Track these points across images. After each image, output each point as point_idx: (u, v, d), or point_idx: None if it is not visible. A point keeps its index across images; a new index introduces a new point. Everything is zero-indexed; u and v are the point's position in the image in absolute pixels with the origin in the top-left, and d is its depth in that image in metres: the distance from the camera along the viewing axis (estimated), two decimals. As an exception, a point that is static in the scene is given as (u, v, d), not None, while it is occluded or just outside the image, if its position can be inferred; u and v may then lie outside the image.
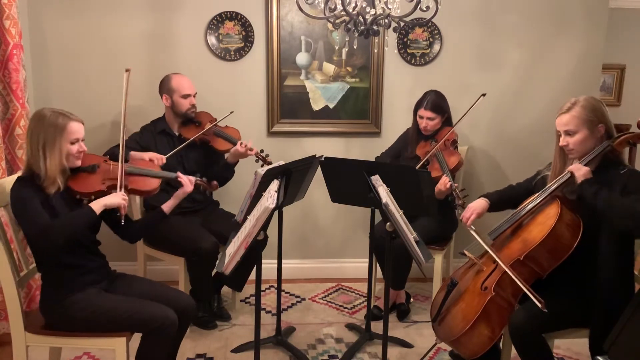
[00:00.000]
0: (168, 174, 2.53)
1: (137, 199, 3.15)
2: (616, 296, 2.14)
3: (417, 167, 3.03)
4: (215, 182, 2.69)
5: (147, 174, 2.45)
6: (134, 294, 2.25)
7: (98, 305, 2.14)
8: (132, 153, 2.91)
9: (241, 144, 3.09)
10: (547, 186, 2.30)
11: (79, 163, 2.22)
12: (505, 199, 2.56)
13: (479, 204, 2.52)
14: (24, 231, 2.14)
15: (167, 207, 2.46)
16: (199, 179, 2.59)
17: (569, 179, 2.20)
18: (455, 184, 2.93)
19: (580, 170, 2.17)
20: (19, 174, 2.39)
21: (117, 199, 2.19)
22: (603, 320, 2.12)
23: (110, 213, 2.26)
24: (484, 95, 3.14)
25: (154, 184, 2.43)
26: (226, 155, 3.20)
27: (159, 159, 2.87)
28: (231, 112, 3.21)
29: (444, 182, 2.91)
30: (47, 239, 2.03)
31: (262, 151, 3.12)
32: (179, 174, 2.52)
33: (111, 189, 2.28)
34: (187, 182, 2.49)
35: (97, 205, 2.13)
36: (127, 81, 2.33)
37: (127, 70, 2.34)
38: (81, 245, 2.22)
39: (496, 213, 2.58)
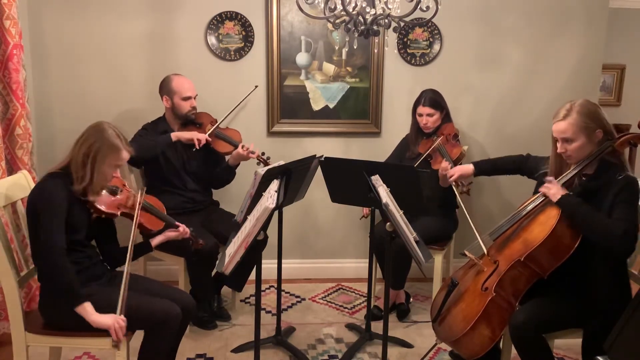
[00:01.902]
0: (172, 220, 2.53)
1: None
2: (611, 297, 2.15)
3: (420, 160, 3.09)
4: (201, 242, 2.66)
5: (157, 215, 2.49)
6: (135, 291, 2.24)
7: (102, 301, 2.13)
8: (175, 133, 3.04)
9: (242, 147, 3.09)
10: None
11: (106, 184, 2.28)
12: (500, 169, 2.78)
13: (464, 167, 2.76)
14: (30, 230, 2.14)
15: (155, 242, 2.48)
16: (192, 232, 2.59)
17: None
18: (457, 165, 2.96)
19: (550, 191, 2.20)
20: (24, 172, 2.40)
21: (109, 321, 2.05)
22: (598, 321, 2.12)
23: (105, 229, 2.35)
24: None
25: (159, 225, 2.49)
26: (227, 157, 3.20)
27: (203, 138, 3.05)
28: (256, 87, 3.20)
29: (445, 167, 2.93)
30: (43, 258, 2.07)
31: (263, 154, 3.13)
32: (178, 223, 2.53)
33: (124, 216, 2.32)
34: (183, 230, 2.52)
35: (86, 312, 2.05)
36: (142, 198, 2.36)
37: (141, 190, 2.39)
38: (77, 249, 2.22)
39: (498, 212, 2.59)
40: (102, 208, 2.24)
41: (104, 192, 2.26)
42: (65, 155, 2.21)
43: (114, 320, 2.05)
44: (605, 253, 2.12)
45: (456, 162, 3.06)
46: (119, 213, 2.30)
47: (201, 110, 3.22)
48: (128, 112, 3.48)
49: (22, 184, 2.38)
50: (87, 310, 2.06)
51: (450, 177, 2.68)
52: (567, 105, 2.20)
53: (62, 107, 3.42)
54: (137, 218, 2.28)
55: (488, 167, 2.80)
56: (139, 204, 2.31)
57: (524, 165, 2.63)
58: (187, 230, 2.54)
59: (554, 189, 2.20)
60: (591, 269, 2.17)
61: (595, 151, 2.18)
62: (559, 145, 2.22)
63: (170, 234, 2.51)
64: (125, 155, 2.22)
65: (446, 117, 3.27)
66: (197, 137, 3.05)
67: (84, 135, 2.19)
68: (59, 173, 2.16)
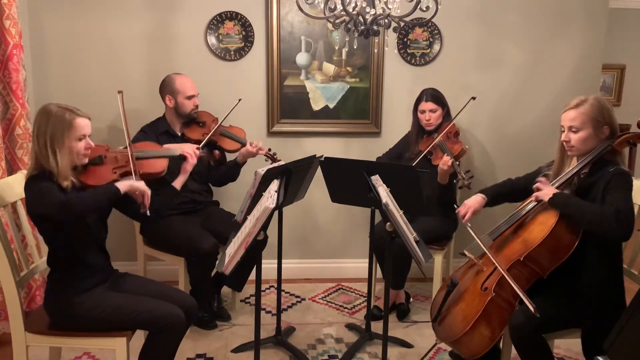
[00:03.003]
0: (173, 152, 2.54)
1: None
2: (604, 296, 2.15)
3: (421, 157, 3.08)
4: (217, 152, 2.68)
5: (154, 155, 2.47)
6: (138, 293, 2.25)
7: (107, 305, 2.14)
8: (167, 145, 2.91)
9: (251, 144, 3.10)
10: None
11: (86, 160, 2.20)
12: (502, 194, 2.56)
13: (475, 200, 2.49)
14: (43, 217, 2.06)
15: (178, 183, 2.55)
16: (202, 151, 2.59)
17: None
18: (457, 162, 2.94)
19: (541, 192, 2.22)
20: (23, 172, 2.39)
21: (142, 184, 2.21)
22: (593, 320, 2.12)
23: (125, 202, 2.30)
24: (473, 98, 3.18)
25: (162, 164, 2.46)
26: (234, 155, 3.20)
27: (194, 150, 2.93)
28: (239, 100, 3.19)
29: (446, 161, 2.91)
30: (69, 210, 1.99)
31: (270, 150, 3.14)
32: (183, 149, 2.56)
33: (123, 176, 2.28)
34: (192, 154, 2.57)
35: (123, 186, 2.14)
36: (122, 102, 2.33)
37: (119, 92, 2.34)
38: (95, 241, 2.24)
39: (498, 212, 2.58)
40: (97, 182, 2.19)
41: (90, 167, 2.20)
42: (29, 156, 2.15)
43: (145, 186, 2.21)
44: (604, 243, 2.11)
45: (457, 158, 3.06)
46: (117, 177, 2.25)
47: (201, 110, 3.21)
48: (128, 112, 3.41)
49: (21, 184, 2.37)
50: (122, 184, 2.14)
51: (463, 216, 2.45)
52: (581, 97, 2.22)
53: (62, 107, 3.42)
54: (134, 168, 2.26)
55: (500, 192, 2.55)
56: (132, 157, 2.27)
57: (514, 186, 2.54)
58: (197, 152, 2.55)
59: (545, 189, 2.22)
60: (589, 267, 2.17)
61: (595, 149, 2.19)
62: (563, 134, 2.23)
63: (186, 167, 2.54)
64: (82, 121, 2.12)
65: (447, 115, 3.28)
66: (187, 150, 2.80)
67: (35, 126, 2.10)
68: (37, 175, 2.08)
